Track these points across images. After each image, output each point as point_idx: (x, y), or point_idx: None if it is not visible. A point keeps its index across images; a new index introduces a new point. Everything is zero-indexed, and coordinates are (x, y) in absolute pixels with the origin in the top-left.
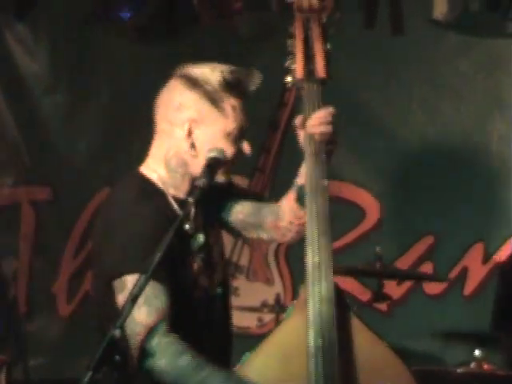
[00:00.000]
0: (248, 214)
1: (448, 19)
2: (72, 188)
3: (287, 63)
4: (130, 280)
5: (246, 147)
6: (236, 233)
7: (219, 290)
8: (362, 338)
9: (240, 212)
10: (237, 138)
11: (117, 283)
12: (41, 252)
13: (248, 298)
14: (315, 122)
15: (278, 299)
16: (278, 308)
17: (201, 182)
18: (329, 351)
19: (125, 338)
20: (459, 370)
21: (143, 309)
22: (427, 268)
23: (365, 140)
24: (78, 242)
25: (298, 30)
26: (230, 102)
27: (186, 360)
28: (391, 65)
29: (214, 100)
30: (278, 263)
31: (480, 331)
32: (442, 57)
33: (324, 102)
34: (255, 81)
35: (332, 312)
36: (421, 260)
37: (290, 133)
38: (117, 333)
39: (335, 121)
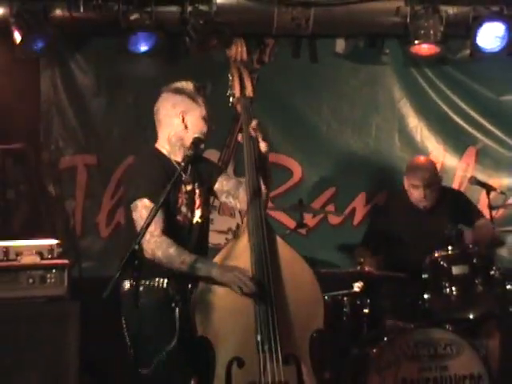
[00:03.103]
0: (230, 187)
1: (345, 52)
2: (109, 156)
3: (229, 92)
4: (139, 203)
5: (212, 126)
6: (218, 196)
7: (199, 220)
8: (280, 245)
9: (225, 184)
10: (208, 119)
11: (132, 205)
12: (89, 196)
13: (219, 225)
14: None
15: (237, 226)
16: (237, 232)
17: (189, 153)
18: (262, 245)
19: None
20: (350, 270)
21: None
22: (331, 208)
23: (292, 127)
24: (113, 190)
25: (234, 72)
26: (200, 99)
27: (172, 250)
28: (310, 81)
29: (192, 98)
30: None
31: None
32: (340, 76)
33: (264, 103)
34: (208, 88)
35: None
36: (327, 203)
37: None
38: (136, 247)
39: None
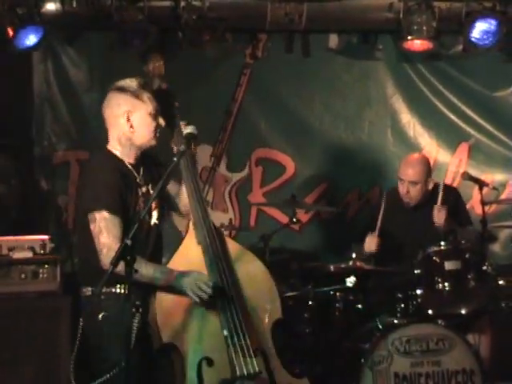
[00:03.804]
0: (176, 190)
1: (338, 48)
2: None
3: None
4: (97, 215)
5: (161, 121)
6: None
7: (156, 221)
8: (229, 243)
9: (171, 188)
10: (155, 115)
11: (89, 216)
12: None
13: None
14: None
15: (230, 222)
16: (230, 227)
17: (181, 148)
18: (214, 247)
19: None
20: (342, 265)
21: (105, 234)
22: (324, 203)
23: (285, 122)
24: None
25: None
26: (146, 95)
27: None
28: (303, 76)
29: (136, 95)
30: (230, 199)
31: (355, 241)
32: (333, 72)
33: (257, 98)
34: (155, 83)
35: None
36: (319, 198)
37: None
38: (128, 242)
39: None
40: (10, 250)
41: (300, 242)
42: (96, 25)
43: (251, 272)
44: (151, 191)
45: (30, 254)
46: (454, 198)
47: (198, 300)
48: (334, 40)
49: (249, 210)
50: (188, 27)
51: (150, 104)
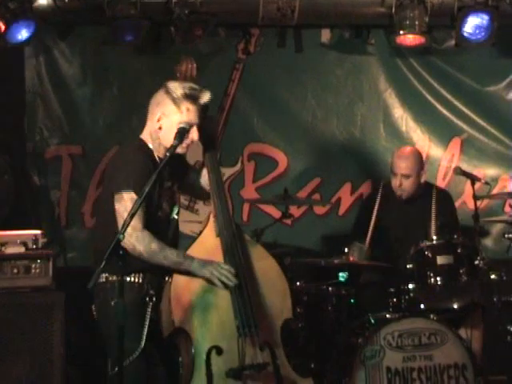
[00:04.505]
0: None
1: (330, 43)
2: (95, 146)
3: None
4: (125, 195)
5: (194, 136)
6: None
7: (175, 216)
8: (248, 242)
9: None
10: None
11: (117, 196)
12: (74, 186)
13: (204, 215)
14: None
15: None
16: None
17: (174, 142)
18: (233, 242)
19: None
20: (336, 261)
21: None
22: (316, 198)
23: (277, 117)
24: (97, 180)
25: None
26: (185, 106)
27: (154, 245)
28: (295, 71)
29: (176, 103)
30: None
31: (347, 236)
32: (326, 66)
33: (249, 93)
34: (205, 97)
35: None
36: (312, 193)
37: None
38: (121, 237)
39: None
40: (3, 244)
41: (292, 236)
42: (88, 19)
43: (267, 269)
44: (174, 186)
45: (22, 249)
46: (447, 202)
47: (221, 286)
48: (326, 35)
49: (241, 204)
50: (180, 22)
51: (185, 116)
